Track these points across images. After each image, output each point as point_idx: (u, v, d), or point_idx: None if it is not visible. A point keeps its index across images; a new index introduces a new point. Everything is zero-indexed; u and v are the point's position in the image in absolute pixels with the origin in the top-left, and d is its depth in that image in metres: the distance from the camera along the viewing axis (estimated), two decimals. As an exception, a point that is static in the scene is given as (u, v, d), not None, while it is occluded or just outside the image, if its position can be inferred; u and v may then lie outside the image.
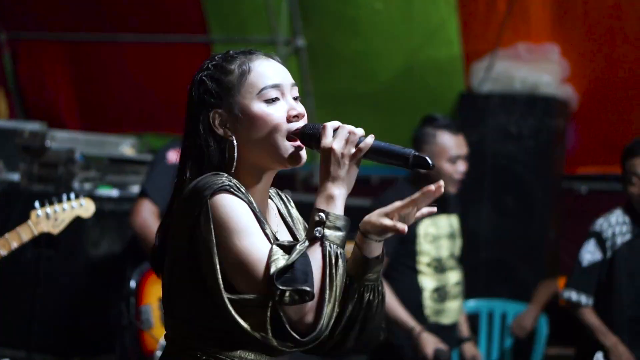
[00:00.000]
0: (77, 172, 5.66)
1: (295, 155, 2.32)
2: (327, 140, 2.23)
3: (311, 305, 2.10)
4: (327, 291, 2.12)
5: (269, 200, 2.47)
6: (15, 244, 3.91)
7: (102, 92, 8.47)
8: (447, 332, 4.88)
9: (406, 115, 7.28)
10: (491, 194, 6.35)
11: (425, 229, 4.83)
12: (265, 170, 2.36)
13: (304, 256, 2.13)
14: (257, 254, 2.13)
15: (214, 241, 2.15)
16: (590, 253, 4.79)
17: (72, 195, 4.16)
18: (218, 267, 2.14)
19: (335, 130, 2.25)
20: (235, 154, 2.30)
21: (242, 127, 2.30)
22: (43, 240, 4.22)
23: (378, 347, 4.92)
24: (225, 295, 2.13)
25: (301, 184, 7.87)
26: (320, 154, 2.25)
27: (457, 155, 4.80)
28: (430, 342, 4.66)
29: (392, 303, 4.70)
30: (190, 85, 2.37)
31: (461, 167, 4.83)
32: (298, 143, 2.32)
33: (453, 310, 4.89)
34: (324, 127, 2.26)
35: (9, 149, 6.39)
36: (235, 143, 2.30)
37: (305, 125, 2.32)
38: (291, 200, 2.61)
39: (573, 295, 4.80)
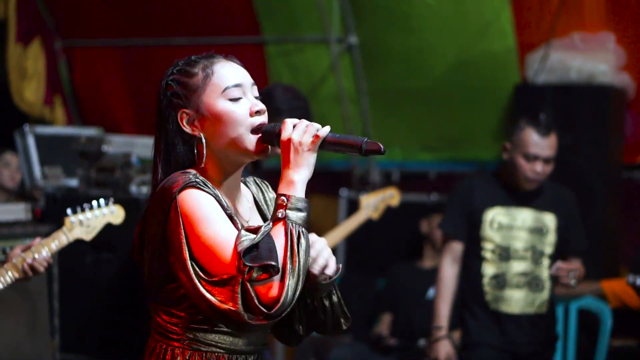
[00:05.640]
0: (134, 175, 5.69)
1: (260, 146, 2.50)
2: (287, 132, 2.44)
3: (276, 279, 2.29)
4: (290, 265, 2.30)
5: (246, 188, 2.70)
6: (50, 249, 3.93)
7: (156, 95, 8.51)
8: (510, 321, 4.86)
9: (461, 109, 7.27)
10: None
11: (494, 216, 4.85)
12: (233, 164, 2.54)
13: (268, 236, 2.33)
14: (223, 237, 2.34)
15: (184, 232, 2.35)
16: None
17: (103, 202, 4.19)
18: (187, 253, 2.34)
19: (294, 125, 2.44)
20: (205, 150, 2.50)
21: (209, 124, 2.50)
22: (102, 244, 4.24)
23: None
24: (194, 275, 2.32)
25: (358, 181, 7.85)
26: (281, 146, 2.44)
27: (533, 154, 4.76)
28: (445, 349, 4.75)
29: (442, 295, 4.81)
30: (158, 92, 2.58)
31: (537, 167, 4.79)
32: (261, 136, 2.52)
33: (516, 300, 4.85)
34: (284, 122, 2.46)
35: (66, 155, 6.47)
36: (203, 139, 2.50)
37: (265, 125, 2.51)
38: (269, 186, 2.79)
39: (638, 280, 4.79)
